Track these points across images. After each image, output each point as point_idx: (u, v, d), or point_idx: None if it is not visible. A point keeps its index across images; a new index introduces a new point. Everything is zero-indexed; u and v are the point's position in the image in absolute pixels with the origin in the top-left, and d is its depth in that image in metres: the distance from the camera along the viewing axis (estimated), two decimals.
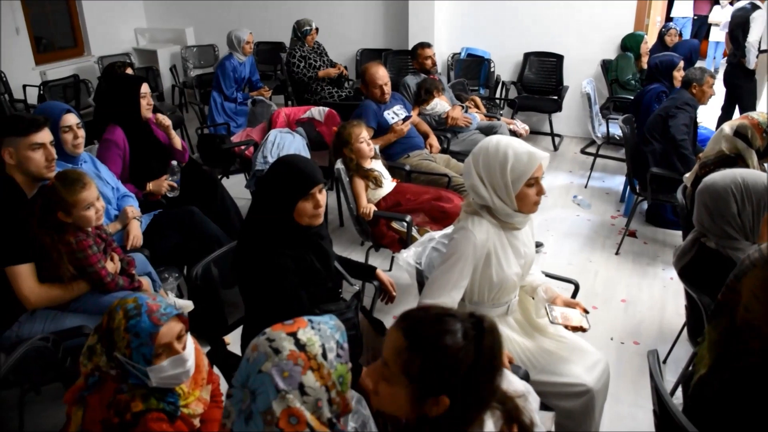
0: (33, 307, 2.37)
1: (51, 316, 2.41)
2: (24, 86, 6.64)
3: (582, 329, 2.12)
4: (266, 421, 1.16)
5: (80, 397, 1.56)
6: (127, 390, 1.56)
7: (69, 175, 2.36)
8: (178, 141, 3.61)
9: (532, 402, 1.45)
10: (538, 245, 4.14)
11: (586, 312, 2.19)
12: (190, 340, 1.68)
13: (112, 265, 2.52)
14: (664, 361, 3.07)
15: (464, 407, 1.25)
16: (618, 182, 5.42)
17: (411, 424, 1.32)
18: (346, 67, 6.09)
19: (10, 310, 2.37)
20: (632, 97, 5.36)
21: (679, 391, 2.51)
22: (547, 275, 2.52)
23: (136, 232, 2.98)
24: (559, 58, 6.51)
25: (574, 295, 2.56)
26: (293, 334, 1.23)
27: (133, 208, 3.06)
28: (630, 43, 6.16)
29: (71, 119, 2.84)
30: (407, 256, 2.41)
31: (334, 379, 1.23)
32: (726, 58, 6.33)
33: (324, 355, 1.23)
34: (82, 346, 1.63)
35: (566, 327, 2.14)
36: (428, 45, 5.19)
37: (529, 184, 2.03)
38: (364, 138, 3.54)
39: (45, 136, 2.49)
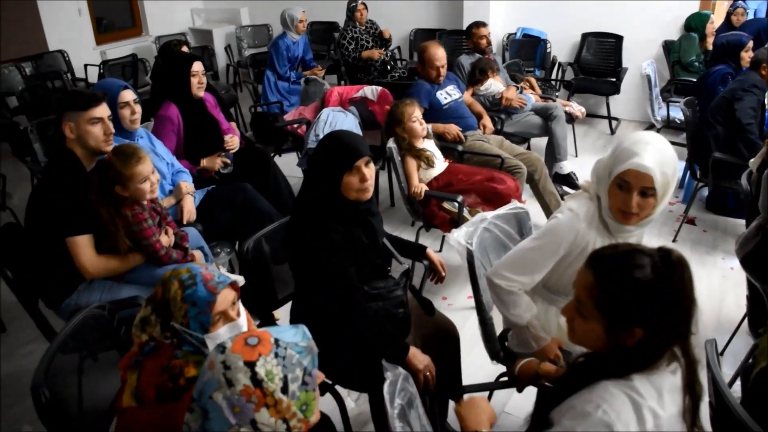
0: (91, 277, 2.44)
1: (108, 286, 2.49)
2: (85, 65, 6.85)
3: None
4: None
5: (136, 362, 1.60)
6: (182, 356, 1.58)
7: (124, 150, 2.42)
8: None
9: None
10: None
11: None
12: (242, 308, 1.70)
13: (167, 239, 2.57)
14: (722, 353, 2.96)
15: (657, 338, 1.28)
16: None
17: (604, 352, 1.35)
18: (392, 50, 6.00)
19: (70, 279, 2.45)
20: (695, 80, 5.16)
21: (737, 384, 2.42)
22: None
23: (190, 207, 3.03)
24: (619, 39, 6.30)
25: None
26: (251, 365, 1.15)
27: (187, 183, 3.11)
28: (695, 23, 5.88)
29: (128, 95, 2.89)
30: (458, 236, 2.37)
31: (295, 410, 1.17)
32: None
33: (284, 389, 1.16)
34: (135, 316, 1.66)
35: None
36: (483, 24, 5.09)
37: (618, 184, 1.81)
38: (416, 117, 3.51)
39: (103, 110, 2.54)
